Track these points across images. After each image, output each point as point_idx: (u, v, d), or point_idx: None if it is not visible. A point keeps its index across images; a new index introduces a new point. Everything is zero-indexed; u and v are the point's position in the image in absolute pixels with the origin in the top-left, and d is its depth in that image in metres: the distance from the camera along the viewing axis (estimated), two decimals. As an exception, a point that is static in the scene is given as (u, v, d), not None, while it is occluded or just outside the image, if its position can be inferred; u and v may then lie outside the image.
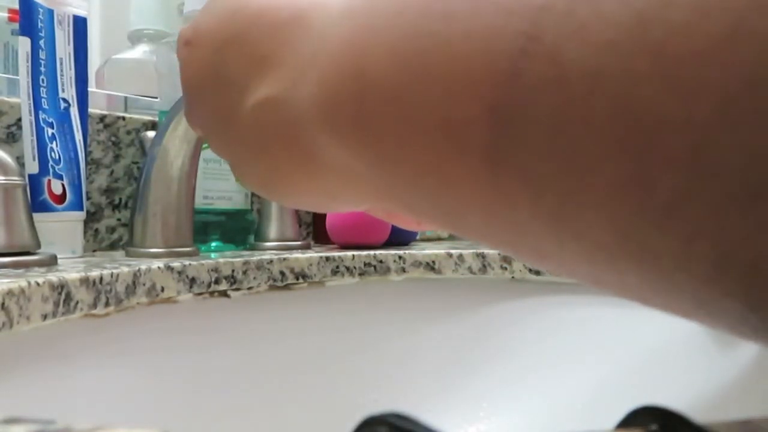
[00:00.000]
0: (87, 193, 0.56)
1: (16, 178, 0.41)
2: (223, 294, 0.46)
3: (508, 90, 0.10)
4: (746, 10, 0.08)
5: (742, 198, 0.08)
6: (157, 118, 0.62)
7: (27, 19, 0.47)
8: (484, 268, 0.55)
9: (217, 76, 0.19)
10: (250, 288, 0.48)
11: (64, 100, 0.48)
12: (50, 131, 0.47)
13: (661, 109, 0.08)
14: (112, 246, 0.60)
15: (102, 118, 0.59)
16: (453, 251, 0.56)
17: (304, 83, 0.16)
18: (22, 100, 0.47)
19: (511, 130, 0.10)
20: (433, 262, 0.55)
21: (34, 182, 0.46)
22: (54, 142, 0.47)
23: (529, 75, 0.10)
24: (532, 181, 0.11)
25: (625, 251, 0.10)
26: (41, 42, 0.47)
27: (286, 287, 0.50)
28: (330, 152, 0.16)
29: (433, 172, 0.12)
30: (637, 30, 0.09)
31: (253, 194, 0.68)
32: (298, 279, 0.51)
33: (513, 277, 0.55)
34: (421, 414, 0.13)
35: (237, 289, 0.47)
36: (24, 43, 0.46)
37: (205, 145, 0.55)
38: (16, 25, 0.55)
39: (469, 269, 0.55)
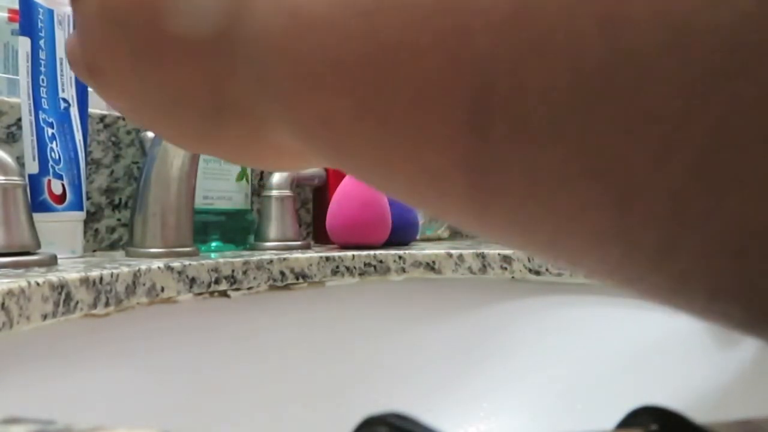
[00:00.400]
0: (87, 193, 0.56)
1: (16, 178, 0.41)
2: (223, 294, 0.46)
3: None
4: None
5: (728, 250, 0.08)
6: (157, 118, 0.62)
7: (27, 19, 0.47)
8: (484, 268, 0.55)
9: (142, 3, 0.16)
10: (250, 288, 0.48)
11: (64, 100, 0.48)
12: (50, 131, 0.47)
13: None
14: (112, 246, 0.60)
15: (102, 118, 0.59)
16: (453, 251, 0.56)
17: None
18: (22, 100, 0.47)
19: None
20: (433, 262, 0.55)
21: (34, 182, 0.46)
22: (54, 142, 0.47)
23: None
24: (513, 224, 0.11)
25: (621, 280, 0.10)
26: (41, 42, 0.47)
27: (286, 287, 0.50)
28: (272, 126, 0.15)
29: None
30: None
31: (253, 194, 0.68)
32: (298, 279, 0.51)
33: (513, 277, 0.55)
34: (421, 414, 0.13)
35: (237, 289, 0.47)
36: (24, 43, 0.47)
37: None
38: (16, 25, 0.55)
39: (469, 269, 0.55)
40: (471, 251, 0.55)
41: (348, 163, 0.13)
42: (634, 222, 0.09)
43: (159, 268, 0.41)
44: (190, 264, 0.43)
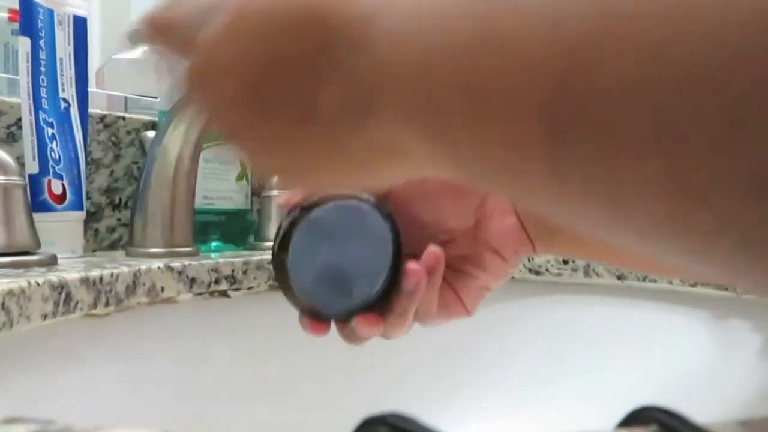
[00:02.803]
0: (87, 193, 0.56)
1: (16, 178, 0.41)
2: (223, 294, 0.46)
3: (560, 100, 0.12)
4: None
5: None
6: (157, 118, 0.62)
7: (27, 19, 0.47)
8: (484, 268, 0.55)
9: (277, 60, 0.17)
10: (250, 288, 0.48)
11: (64, 100, 0.48)
12: (50, 131, 0.47)
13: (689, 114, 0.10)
14: (112, 246, 0.60)
15: (102, 118, 0.59)
16: (453, 251, 0.56)
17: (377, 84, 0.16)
18: (22, 100, 0.47)
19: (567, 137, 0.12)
20: (433, 262, 0.55)
21: (34, 182, 0.46)
22: (54, 142, 0.47)
23: (573, 88, 0.12)
24: (586, 176, 0.12)
25: (669, 229, 0.12)
26: (41, 42, 0.47)
27: (286, 287, 0.50)
28: (403, 143, 0.17)
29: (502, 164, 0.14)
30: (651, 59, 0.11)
31: (253, 194, 0.68)
32: (298, 279, 0.51)
33: (513, 277, 0.55)
34: (421, 414, 0.13)
35: (237, 289, 0.47)
36: (24, 43, 0.46)
37: (205, 145, 0.55)
38: (16, 25, 0.55)
39: (469, 269, 0.55)
40: (471, 251, 0.55)
41: (454, 153, 0.15)
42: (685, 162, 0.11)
43: (159, 268, 0.41)
44: (190, 264, 0.43)
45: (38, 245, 0.42)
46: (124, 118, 0.61)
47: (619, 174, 0.12)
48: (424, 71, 0.14)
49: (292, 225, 0.28)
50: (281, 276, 0.29)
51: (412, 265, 0.28)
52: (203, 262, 0.45)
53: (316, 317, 0.30)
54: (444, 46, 0.14)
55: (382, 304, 0.29)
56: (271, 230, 0.60)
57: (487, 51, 0.13)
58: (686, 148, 0.10)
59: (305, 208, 0.28)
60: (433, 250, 0.28)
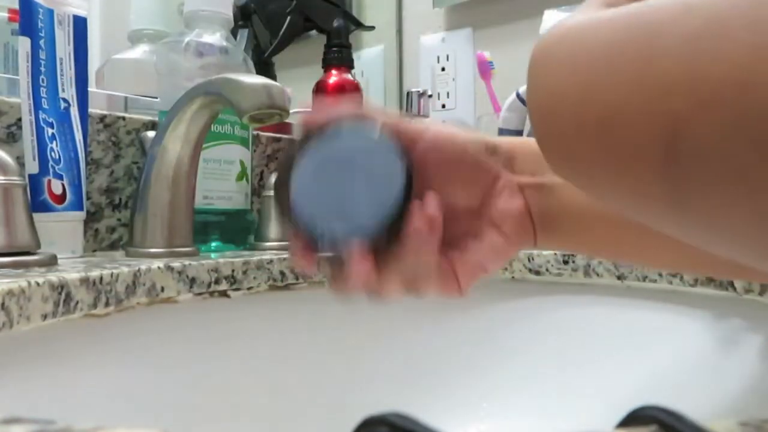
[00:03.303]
0: (87, 193, 0.56)
1: (16, 178, 0.41)
2: (223, 294, 0.46)
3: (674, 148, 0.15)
4: None
5: None
6: (157, 118, 0.62)
7: (27, 19, 0.47)
8: (484, 268, 0.55)
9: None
10: (250, 288, 0.48)
11: (64, 100, 0.48)
12: (50, 131, 0.47)
13: None
14: (112, 246, 0.60)
15: (102, 118, 0.59)
16: (453, 251, 0.56)
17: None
18: (22, 100, 0.47)
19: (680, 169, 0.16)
20: (433, 262, 0.55)
21: (34, 182, 0.46)
22: (54, 142, 0.47)
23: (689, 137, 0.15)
24: (700, 219, 0.16)
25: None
26: (41, 42, 0.47)
27: (286, 287, 0.50)
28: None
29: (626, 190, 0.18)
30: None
31: (253, 194, 0.68)
32: (298, 279, 0.51)
33: (513, 277, 0.55)
34: (421, 414, 0.13)
35: (237, 289, 0.47)
36: (24, 43, 0.46)
37: (205, 145, 0.55)
38: (16, 25, 0.55)
39: (469, 269, 0.55)
40: (471, 251, 0.55)
41: (584, 185, 0.20)
42: None
43: (159, 268, 0.41)
44: (190, 264, 0.43)
45: (38, 245, 0.42)
46: (124, 118, 0.61)
47: (723, 217, 0.15)
48: (564, 139, 0.19)
49: (304, 142, 0.27)
50: (281, 195, 0.27)
51: (421, 208, 0.27)
52: (203, 262, 0.45)
53: (307, 244, 0.29)
54: (575, 117, 0.18)
55: (380, 246, 0.28)
56: (271, 230, 0.60)
57: (607, 122, 0.17)
58: (765, 194, 0.14)
59: (321, 130, 0.27)
60: (434, 197, 0.28)
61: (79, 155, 0.49)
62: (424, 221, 0.28)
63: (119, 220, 0.60)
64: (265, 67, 0.78)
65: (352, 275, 0.29)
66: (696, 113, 0.14)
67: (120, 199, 0.60)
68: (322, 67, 0.76)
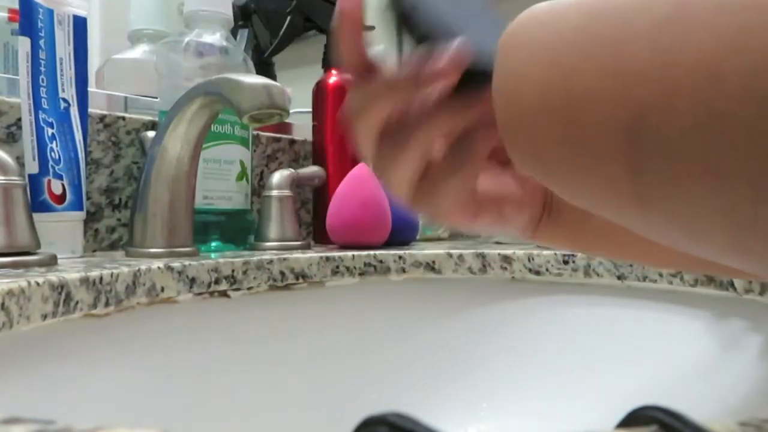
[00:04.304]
0: (87, 193, 0.56)
1: (16, 178, 0.41)
2: (223, 294, 0.46)
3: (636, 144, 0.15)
4: None
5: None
6: (157, 118, 0.62)
7: (27, 19, 0.47)
8: (484, 268, 0.55)
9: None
10: (250, 288, 0.48)
11: (64, 100, 0.48)
12: (50, 131, 0.47)
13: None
14: (112, 246, 0.60)
15: (102, 118, 0.59)
16: (453, 251, 0.56)
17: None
18: (22, 100, 0.47)
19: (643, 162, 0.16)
20: (433, 262, 0.55)
21: (34, 182, 0.46)
22: (54, 142, 0.47)
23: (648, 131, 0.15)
24: (663, 208, 0.16)
25: (733, 253, 0.16)
26: (41, 42, 0.47)
27: (286, 287, 0.50)
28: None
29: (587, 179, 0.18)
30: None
31: (253, 194, 0.68)
32: (298, 279, 0.51)
33: (513, 277, 0.55)
34: (421, 414, 0.13)
35: (237, 289, 0.47)
36: (24, 43, 0.46)
37: (205, 145, 0.55)
38: (16, 25, 0.55)
39: (469, 269, 0.55)
40: (471, 251, 0.55)
41: (548, 176, 0.19)
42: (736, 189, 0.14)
43: (159, 268, 0.41)
44: (190, 264, 0.43)
45: (38, 245, 0.42)
46: (124, 118, 0.61)
47: (687, 210, 0.15)
48: (527, 125, 0.19)
49: None
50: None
51: None
52: (203, 262, 0.45)
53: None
54: (539, 102, 0.18)
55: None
56: (272, 230, 0.60)
57: (573, 108, 0.17)
58: (735, 187, 0.13)
59: None
60: None
61: (79, 155, 0.49)
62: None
63: (119, 220, 0.60)
64: (265, 67, 0.79)
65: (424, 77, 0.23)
66: (664, 101, 0.14)
67: (120, 199, 0.60)
68: (322, 67, 0.76)
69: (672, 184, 0.15)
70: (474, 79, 0.22)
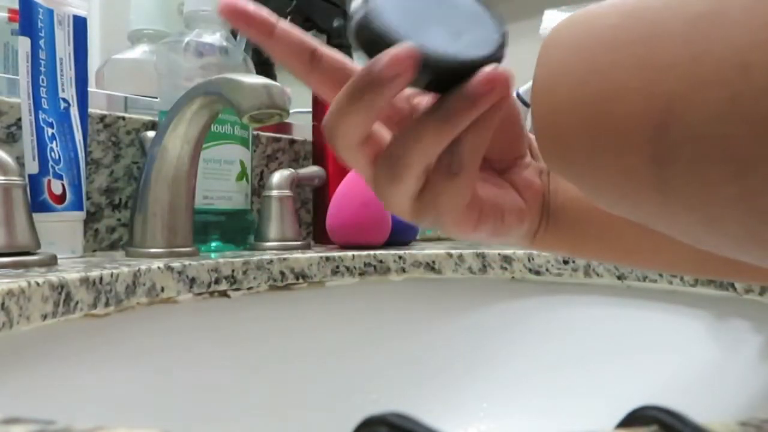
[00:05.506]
0: (87, 193, 0.56)
1: (16, 178, 0.41)
2: (223, 294, 0.46)
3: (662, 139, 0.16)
4: None
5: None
6: (157, 118, 0.62)
7: (27, 19, 0.47)
8: (484, 268, 0.55)
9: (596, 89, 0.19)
10: (250, 288, 0.48)
11: (64, 100, 0.48)
12: (50, 131, 0.47)
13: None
14: (112, 246, 0.60)
15: (102, 118, 0.59)
16: (453, 251, 0.56)
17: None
18: (22, 100, 0.47)
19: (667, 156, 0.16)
20: (433, 262, 0.55)
21: (34, 182, 0.46)
22: (54, 142, 0.47)
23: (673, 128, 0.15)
24: (683, 201, 0.16)
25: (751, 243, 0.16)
26: (41, 42, 0.47)
27: (286, 287, 0.50)
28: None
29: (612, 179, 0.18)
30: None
31: (253, 194, 0.68)
32: (298, 279, 0.51)
33: (513, 277, 0.55)
34: (421, 414, 0.13)
35: (237, 289, 0.47)
36: (24, 43, 0.46)
37: (205, 145, 0.55)
38: (16, 25, 0.55)
39: (469, 269, 0.55)
40: (471, 251, 0.55)
41: (569, 168, 0.20)
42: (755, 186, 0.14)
43: (159, 268, 0.41)
44: (190, 264, 0.43)
45: (38, 245, 0.42)
46: (124, 118, 0.61)
47: (707, 198, 0.15)
48: (559, 119, 0.19)
49: None
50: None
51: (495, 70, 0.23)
52: (203, 262, 0.45)
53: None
54: (572, 97, 0.19)
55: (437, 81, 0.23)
56: (272, 230, 0.60)
57: (603, 101, 0.17)
58: (754, 174, 0.14)
59: None
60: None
61: (79, 155, 0.49)
62: (497, 74, 0.22)
63: (119, 220, 0.60)
64: (265, 67, 0.78)
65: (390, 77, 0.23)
66: (693, 92, 0.15)
67: (120, 199, 0.60)
68: (322, 67, 0.75)
69: (693, 171, 0.15)
70: (450, 79, 0.23)
